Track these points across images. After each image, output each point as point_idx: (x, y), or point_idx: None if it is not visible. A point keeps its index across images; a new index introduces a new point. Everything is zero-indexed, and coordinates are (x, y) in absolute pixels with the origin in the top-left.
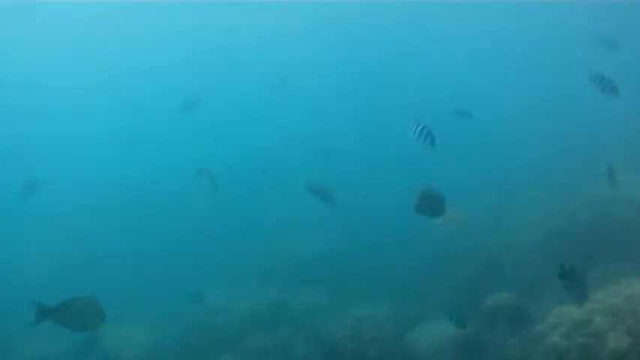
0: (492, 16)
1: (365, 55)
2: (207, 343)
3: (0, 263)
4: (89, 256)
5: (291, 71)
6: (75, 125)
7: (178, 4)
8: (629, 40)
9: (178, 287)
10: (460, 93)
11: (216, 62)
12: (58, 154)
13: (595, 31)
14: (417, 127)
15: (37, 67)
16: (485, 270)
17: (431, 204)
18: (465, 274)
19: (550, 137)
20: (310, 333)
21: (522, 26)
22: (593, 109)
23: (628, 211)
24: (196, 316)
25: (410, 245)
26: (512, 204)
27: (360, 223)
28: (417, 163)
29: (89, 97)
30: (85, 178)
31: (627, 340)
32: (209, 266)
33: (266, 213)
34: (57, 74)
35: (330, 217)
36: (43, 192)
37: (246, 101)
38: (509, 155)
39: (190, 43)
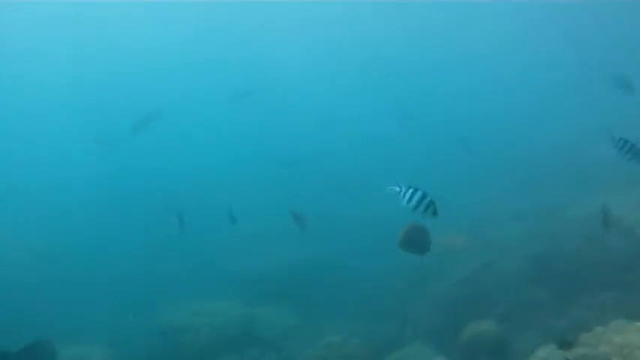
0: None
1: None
2: None
3: None
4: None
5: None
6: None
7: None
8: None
9: (140, 303)
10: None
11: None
12: None
13: None
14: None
15: None
16: (468, 293)
17: (416, 241)
18: (445, 297)
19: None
20: (280, 354)
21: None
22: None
23: (617, 235)
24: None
25: (387, 260)
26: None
27: (335, 237)
28: (397, 174)
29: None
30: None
31: None
32: (174, 281)
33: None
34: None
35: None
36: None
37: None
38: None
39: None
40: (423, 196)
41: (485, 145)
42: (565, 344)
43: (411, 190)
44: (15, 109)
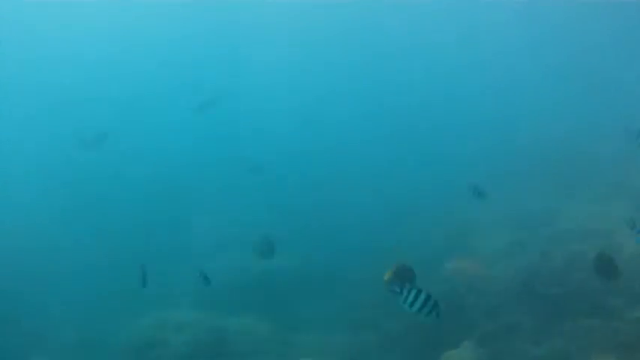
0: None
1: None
2: None
3: None
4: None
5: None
6: None
7: None
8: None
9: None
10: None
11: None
12: None
13: None
14: None
15: None
16: (449, 310)
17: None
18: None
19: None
20: None
21: None
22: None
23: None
24: (128, 351)
25: (366, 269)
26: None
27: (312, 243)
28: (370, 178)
29: None
30: None
31: None
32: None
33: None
34: None
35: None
36: None
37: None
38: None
39: None
40: (427, 298)
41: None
42: None
43: (414, 292)
44: None
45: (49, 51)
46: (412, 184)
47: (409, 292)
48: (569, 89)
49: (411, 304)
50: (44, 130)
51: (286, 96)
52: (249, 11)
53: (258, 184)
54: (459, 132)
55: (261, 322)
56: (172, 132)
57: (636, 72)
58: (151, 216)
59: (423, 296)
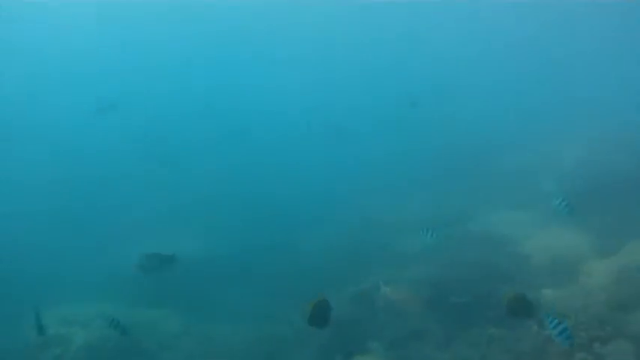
0: None
1: None
2: None
3: None
4: None
5: None
6: None
7: None
8: None
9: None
10: None
11: None
12: None
13: None
14: None
15: None
16: (360, 311)
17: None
18: (337, 312)
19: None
20: None
21: None
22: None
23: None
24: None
25: (284, 260)
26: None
27: (230, 229)
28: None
29: None
30: None
31: None
32: (44, 282)
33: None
34: None
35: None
36: None
37: None
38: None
39: None
40: None
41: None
42: None
43: None
44: None
45: None
46: (332, 182)
47: None
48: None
49: None
50: None
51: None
52: None
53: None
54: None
55: (173, 314)
56: None
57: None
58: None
59: None
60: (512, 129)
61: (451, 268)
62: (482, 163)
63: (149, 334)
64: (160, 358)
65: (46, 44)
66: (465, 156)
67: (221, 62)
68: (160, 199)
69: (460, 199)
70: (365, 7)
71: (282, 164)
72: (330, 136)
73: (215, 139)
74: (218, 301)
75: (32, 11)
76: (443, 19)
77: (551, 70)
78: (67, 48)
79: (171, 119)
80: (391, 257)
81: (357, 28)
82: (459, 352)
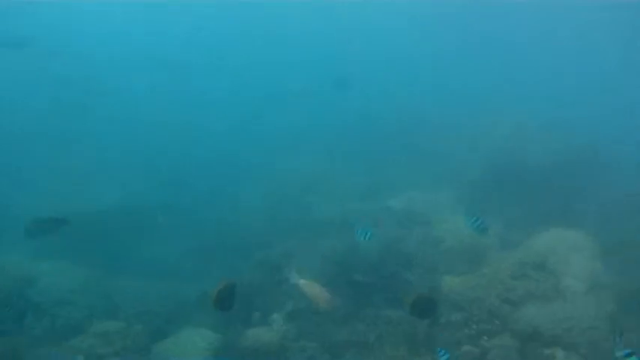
0: None
1: None
2: None
3: None
4: None
5: None
6: None
7: None
8: None
9: None
10: None
11: None
12: None
13: None
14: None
15: None
16: (262, 278)
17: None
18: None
19: None
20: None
21: None
22: None
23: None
24: None
25: (195, 220)
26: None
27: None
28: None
29: None
30: None
31: None
32: None
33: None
34: None
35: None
36: None
37: None
38: None
39: None
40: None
41: None
42: None
43: None
44: None
45: None
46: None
47: None
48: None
49: None
50: None
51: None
52: None
53: None
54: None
55: (75, 267)
56: None
57: None
58: None
59: None
60: (441, 109)
61: (359, 245)
62: (408, 142)
63: (48, 289)
64: (54, 313)
65: None
66: (391, 133)
67: None
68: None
69: (381, 175)
70: None
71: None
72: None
73: None
74: (125, 256)
75: None
76: None
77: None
78: None
79: None
80: (304, 225)
81: None
82: (356, 330)
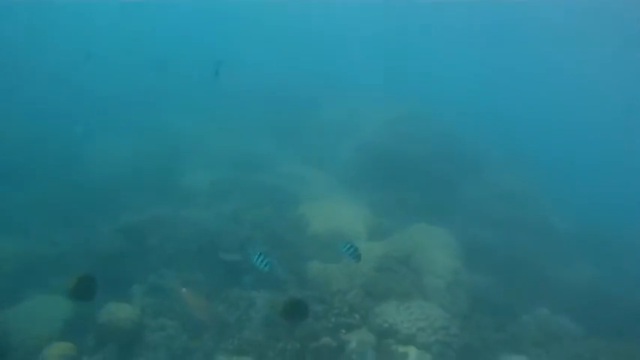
0: None
1: None
2: None
3: None
4: None
5: None
6: None
7: None
8: None
9: None
10: None
11: None
12: None
13: None
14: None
15: None
16: (131, 248)
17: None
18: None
19: None
20: None
21: None
22: None
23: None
24: None
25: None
26: None
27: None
28: None
29: None
30: None
31: None
32: None
33: None
34: None
35: None
36: None
37: None
38: None
39: None
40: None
41: None
42: None
43: None
44: None
45: None
46: None
47: None
48: None
49: None
50: None
51: None
52: None
53: None
54: None
55: None
56: None
57: None
58: None
59: None
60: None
61: (229, 221)
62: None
63: None
64: None
65: None
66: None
67: None
68: None
69: (256, 146)
70: None
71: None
72: None
73: None
74: None
75: None
76: None
77: None
78: None
79: None
80: (175, 191)
81: None
82: (216, 310)
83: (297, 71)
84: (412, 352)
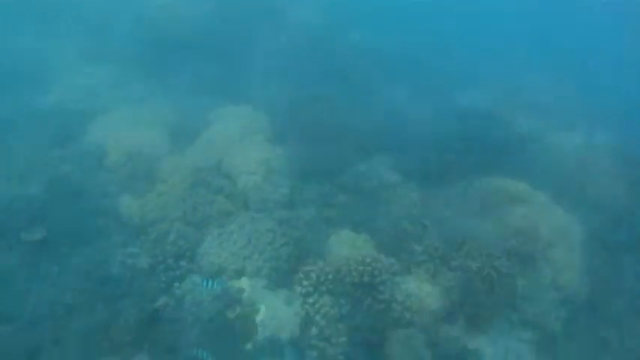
0: None
1: None
2: None
3: None
4: None
5: None
6: None
7: None
8: None
9: None
10: None
11: None
12: None
13: None
14: None
15: None
16: None
17: None
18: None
19: None
20: None
21: None
22: None
23: None
24: None
25: None
26: None
27: None
28: None
29: None
30: None
31: None
32: None
33: None
34: None
35: None
36: None
37: None
38: None
39: None
40: None
41: None
42: None
43: None
44: None
45: None
46: None
47: None
48: None
49: None
50: None
51: None
52: None
53: None
54: None
55: None
56: None
57: None
58: None
59: None
60: None
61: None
62: None
63: None
64: None
65: None
66: None
67: None
68: None
69: None
70: None
71: None
72: None
73: None
74: None
75: None
76: None
77: None
78: None
79: None
80: None
81: None
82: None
83: None
84: (245, 284)
